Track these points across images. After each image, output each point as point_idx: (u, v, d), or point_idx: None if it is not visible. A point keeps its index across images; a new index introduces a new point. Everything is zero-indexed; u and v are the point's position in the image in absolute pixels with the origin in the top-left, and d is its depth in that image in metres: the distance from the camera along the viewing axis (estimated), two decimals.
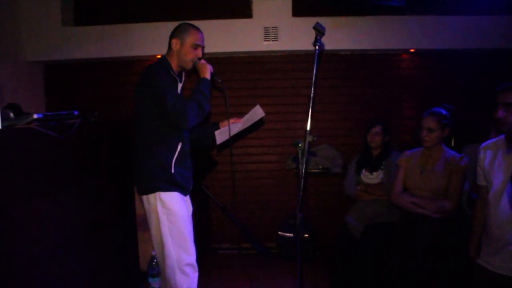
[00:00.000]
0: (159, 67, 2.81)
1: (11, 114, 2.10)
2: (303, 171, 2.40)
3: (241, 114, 3.04)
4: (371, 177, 4.06)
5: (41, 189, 2.17)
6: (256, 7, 4.74)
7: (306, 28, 2.82)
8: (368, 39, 4.74)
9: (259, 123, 3.38)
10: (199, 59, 2.90)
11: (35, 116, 2.14)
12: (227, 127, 2.97)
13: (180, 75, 2.98)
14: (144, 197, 2.81)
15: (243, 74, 5.07)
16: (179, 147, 2.80)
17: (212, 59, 4.91)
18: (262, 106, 2.92)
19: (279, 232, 4.67)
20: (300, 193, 2.42)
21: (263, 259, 4.69)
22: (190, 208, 3.07)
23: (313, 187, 5.07)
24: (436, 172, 3.22)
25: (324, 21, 2.81)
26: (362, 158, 4.21)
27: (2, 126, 1.96)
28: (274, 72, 5.06)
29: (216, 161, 4.84)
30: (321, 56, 4.75)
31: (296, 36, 4.63)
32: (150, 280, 3.65)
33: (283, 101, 5.04)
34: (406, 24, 4.70)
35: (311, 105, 2.46)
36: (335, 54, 5.02)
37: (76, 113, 2.56)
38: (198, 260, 2.91)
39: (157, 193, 2.74)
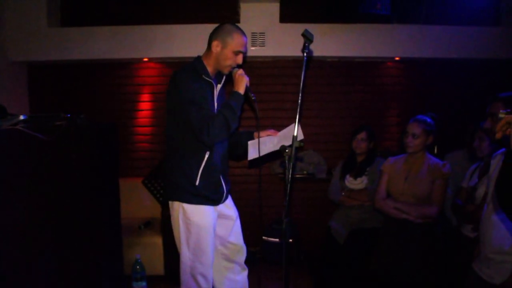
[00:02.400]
0: (189, 72, 2.65)
1: None
2: (290, 176, 2.41)
3: None
4: (355, 183, 4.10)
5: (26, 190, 2.15)
6: (243, 12, 4.75)
7: (293, 34, 2.84)
8: (354, 47, 4.79)
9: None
10: (239, 66, 2.76)
11: (21, 117, 2.12)
12: (261, 139, 2.79)
13: (218, 76, 2.85)
14: (170, 202, 2.79)
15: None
16: (206, 156, 2.70)
17: None
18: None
19: (264, 237, 4.68)
20: (287, 198, 2.43)
21: (248, 263, 4.69)
22: (232, 213, 3.01)
23: (298, 192, 5.09)
24: (419, 178, 3.27)
25: (311, 27, 2.83)
26: (346, 164, 4.25)
27: None
28: (261, 77, 5.07)
29: None
30: (308, 63, 4.79)
31: (283, 41, 4.65)
32: (134, 284, 3.64)
33: (269, 106, 5.05)
34: (392, 32, 4.77)
35: (298, 110, 2.48)
36: (322, 61, 5.06)
37: (62, 115, 2.53)
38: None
39: (181, 203, 2.71)
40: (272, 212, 4.87)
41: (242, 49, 2.72)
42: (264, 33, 4.69)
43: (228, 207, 2.99)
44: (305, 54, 2.43)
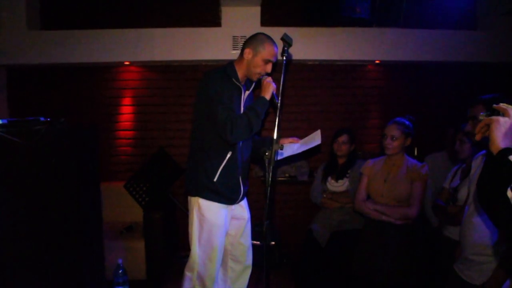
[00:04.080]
0: (220, 74, 2.79)
1: None
2: (270, 179, 2.43)
3: None
4: (337, 185, 4.13)
5: (5, 196, 2.13)
6: (225, 16, 4.77)
7: (274, 38, 2.86)
8: (335, 50, 4.82)
9: (316, 150, 3.29)
10: (268, 74, 2.87)
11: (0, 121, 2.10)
12: (285, 144, 2.88)
13: (248, 83, 2.98)
14: (189, 196, 2.90)
15: None
16: (228, 155, 2.81)
17: (179, 67, 4.94)
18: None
19: None
20: (267, 201, 2.45)
21: None
22: (245, 214, 3.11)
23: (280, 195, 5.11)
24: (398, 180, 3.31)
25: (292, 31, 2.87)
26: (328, 167, 4.28)
27: None
28: None
29: (182, 169, 4.82)
30: (289, 66, 4.82)
31: None
32: None
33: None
34: (372, 36, 4.82)
35: (278, 114, 2.51)
36: (303, 64, 5.09)
37: (42, 119, 2.52)
38: (165, 267, 2.91)
39: (198, 198, 2.81)
40: (254, 215, 4.86)
41: (272, 59, 2.85)
42: (245, 36, 4.65)
43: (243, 208, 3.10)
44: (284, 58, 2.47)
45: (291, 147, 2.99)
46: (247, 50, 2.84)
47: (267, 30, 4.63)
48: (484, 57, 4.89)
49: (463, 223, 2.61)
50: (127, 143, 5.14)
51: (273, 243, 4.32)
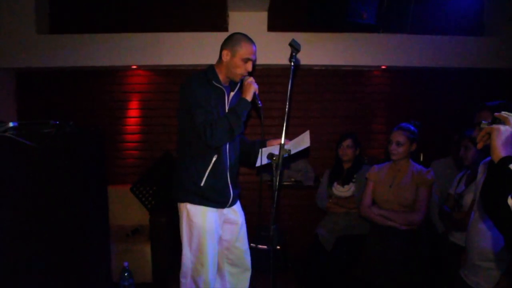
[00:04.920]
0: (200, 78, 2.78)
1: None
2: (277, 183, 2.44)
3: None
4: (342, 190, 4.14)
5: (15, 198, 2.15)
6: (232, 21, 4.79)
7: (281, 43, 2.89)
8: (341, 56, 4.84)
9: (306, 152, 3.25)
10: (250, 74, 2.86)
11: (10, 124, 2.12)
12: (273, 147, 2.79)
13: (232, 84, 2.95)
14: (177, 203, 2.89)
15: None
16: (214, 159, 2.78)
17: (186, 71, 4.97)
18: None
19: (251, 244, 4.68)
20: (274, 205, 2.46)
21: None
22: (238, 218, 3.08)
23: (286, 200, 5.11)
24: (403, 185, 3.32)
25: (299, 36, 2.88)
26: (334, 172, 4.29)
27: None
28: None
29: None
30: (296, 71, 4.83)
31: (271, 50, 4.68)
32: None
33: (257, 114, 5.08)
34: (379, 42, 4.83)
35: (285, 119, 2.52)
36: (309, 69, 5.11)
37: (51, 122, 2.54)
38: (171, 270, 2.92)
39: (186, 204, 2.80)
40: (261, 219, 4.88)
41: (251, 57, 2.83)
42: None
43: (235, 212, 3.07)
44: (292, 63, 2.48)
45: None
46: (224, 52, 2.83)
47: (274, 35, 4.74)
48: (491, 63, 4.89)
49: (469, 229, 2.60)
50: (134, 146, 5.17)
51: (278, 247, 4.33)
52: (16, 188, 2.16)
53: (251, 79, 2.84)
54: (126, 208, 4.73)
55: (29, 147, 2.21)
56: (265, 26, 4.78)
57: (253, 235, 4.69)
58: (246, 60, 2.81)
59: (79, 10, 5.03)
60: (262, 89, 5.03)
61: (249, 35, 4.63)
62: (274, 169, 2.47)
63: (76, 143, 2.95)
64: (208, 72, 2.84)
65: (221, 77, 2.85)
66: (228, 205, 2.96)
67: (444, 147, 4.55)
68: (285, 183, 4.96)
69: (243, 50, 2.80)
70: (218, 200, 2.85)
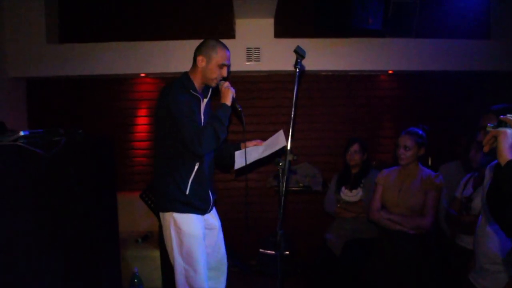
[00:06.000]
0: (177, 86, 2.77)
1: None
2: (284, 189, 2.46)
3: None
4: (351, 195, 4.14)
5: (26, 205, 2.19)
6: (239, 28, 4.82)
7: (288, 49, 2.89)
8: (348, 61, 4.85)
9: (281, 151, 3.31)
10: (224, 79, 2.88)
11: (21, 133, 2.16)
12: (247, 149, 2.91)
13: (205, 90, 2.97)
14: (161, 213, 2.88)
15: None
16: (196, 166, 2.80)
17: None
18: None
19: (260, 250, 4.70)
20: (281, 211, 2.47)
21: (245, 276, 4.70)
22: (216, 223, 3.11)
23: (294, 205, 5.12)
24: (412, 189, 3.31)
25: (305, 42, 2.90)
26: (342, 176, 4.29)
27: None
28: (256, 92, 5.14)
29: None
30: (302, 76, 4.85)
31: (278, 56, 4.71)
32: None
33: (264, 120, 5.10)
34: (385, 46, 4.84)
35: (291, 124, 2.54)
36: (316, 75, 5.12)
37: (61, 130, 2.58)
38: None
39: (172, 213, 2.79)
40: (269, 225, 4.88)
41: (226, 62, 2.86)
42: (259, 48, 4.76)
43: (213, 217, 3.10)
44: (297, 70, 2.50)
45: (256, 150, 2.94)
46: (199, 58, 2.84)
47: (281, 42, 4.76)
48: (498, 66, 4.88)
49: (477, 232, 2.60)
50: (143, 153, 5.21)
51: (287, 252, 4.34)
52: (27, 195, 2.19)
53: (227, 83, 2.87)
54: (136, 215, 4.76)
55: (39, 155, 2.24)
56: (271, 33, 4.80)
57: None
58: (221, 66, 2.84)
59: (88, 20, 5.10)
60: (269, 95, 5.12)
61: (256, 41, 4.74)
62: (280, 174, 2.48)
63: (86, 151, 2.99)
64: (184, 80, 2.85)
65: (196, 84, 2.86)
66: (208, 211, 2.98)
67: (452, 150, 4.54)
68: (293, 188, 4.96)
69: (219, 56, 2.83)
70: (201, 207, 2.87)
